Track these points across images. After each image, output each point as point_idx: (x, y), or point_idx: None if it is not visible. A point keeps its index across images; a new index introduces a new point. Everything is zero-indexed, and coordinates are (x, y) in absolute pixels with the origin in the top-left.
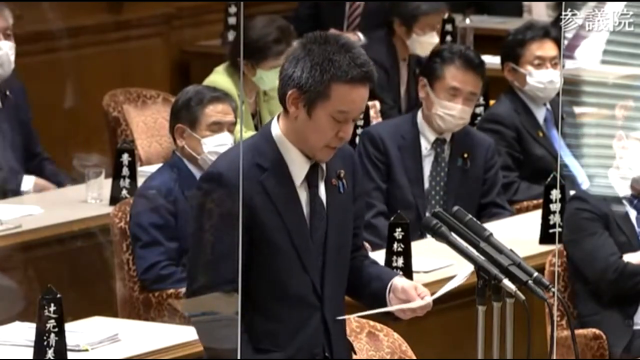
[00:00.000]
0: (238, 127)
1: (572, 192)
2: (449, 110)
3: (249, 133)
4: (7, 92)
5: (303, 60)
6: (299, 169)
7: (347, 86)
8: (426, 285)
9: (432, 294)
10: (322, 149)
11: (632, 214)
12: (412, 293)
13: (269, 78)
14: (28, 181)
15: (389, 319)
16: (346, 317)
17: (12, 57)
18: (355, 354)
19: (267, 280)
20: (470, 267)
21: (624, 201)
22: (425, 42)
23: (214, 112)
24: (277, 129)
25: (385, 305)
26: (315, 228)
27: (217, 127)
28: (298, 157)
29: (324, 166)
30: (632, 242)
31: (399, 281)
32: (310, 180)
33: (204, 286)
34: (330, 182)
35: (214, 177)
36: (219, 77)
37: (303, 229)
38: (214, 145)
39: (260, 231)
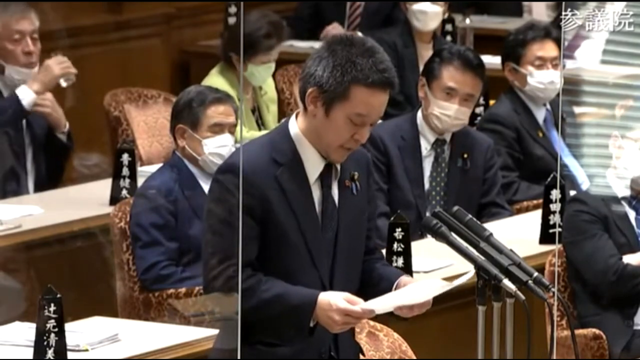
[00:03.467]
0: (238, 127)
1: (572, 192)
2: (445, 110)
3: (251, 132)
4: None
5: (326, 60)
6: (313, 167)
7: (367, 90)
8: None
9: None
10: (337, 149)
11: (631, 214)
12: None
13: (260, 74)
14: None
15: (390, 317)
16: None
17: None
18: (363, 354)
19: (276, 274)
20: (472, 269)
21: (623, 202)
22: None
23: (216, 113)
24: (295, 126)
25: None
26: (326, 227)
27: (218, 128)
28: (314, 155)
29: (338, 166)
30: (631, 243)
31: (404, 279)
32: (324, 179)
33: (222, 274)
34: (343, 183)
35: (231, 169)
36: (214, 80)
37: (315, 225)
38: (215, 147)
39: (273, 225)
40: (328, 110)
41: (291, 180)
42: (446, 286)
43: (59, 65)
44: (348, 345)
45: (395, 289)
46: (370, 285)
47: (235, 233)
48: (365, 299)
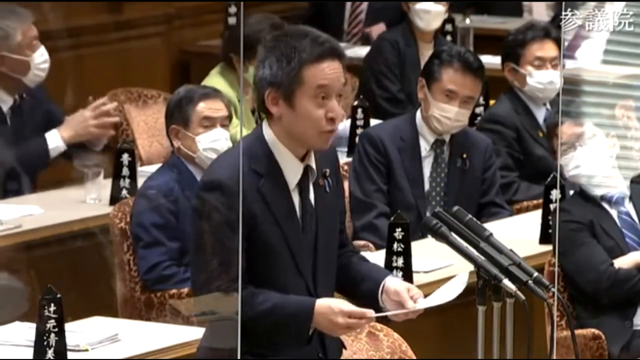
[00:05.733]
0: (238, 128)
1: (572, 192)
2: (445, 112)
3: None
4: (23, 95)
5: (269, 59)
6: (292, 172)
7: (316, 64)
8: (426, 285)
9: (426, 295)
10: (317, 136)
11: (614, 213)
12: (404, 295)
13: None
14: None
15: (382, 321)
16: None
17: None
18: (345, 348)
19: (263, 284)
20: (462, 280)
21: (603, 203)
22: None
23: (205, 108)
24: (269, 131)
25: (378, 305)
26: (305, 229)
27: (209, 123)
28: (291, 160)
29: (314, 167)
30: (620, 244)
31: (391, 282)
32: (302, 183)
33: (213, 288)
34: (317, 183)
35: (214, 185)
36: (214, 81)
37: (297, 233)
38: (209, 142)
39: (258, 237)
40: (291, 102)
41: (273, 191)
42: (438, 302)
43: (97, 120)
44: (333, 344)
45: (381, 292)
46: (350, 282)
47: (222, 248)
48: (348, 296)
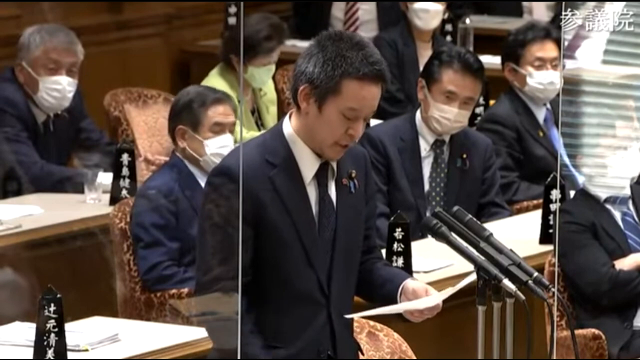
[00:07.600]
0: (237, 128)
1: (572, 192)
2: (445, 113)
3: (250, 133)
4: (58, 111)
5: (316, 56)
6: (308, 166)
7: (358, 82)
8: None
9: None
10: (332, 146)
11: (618, 214)
12: (421, 294)
13: (260, 76)
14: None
15: (399, 320)
16: (353, 315)
17: (70, 95)
18: (362, 354)
19: (273, 276)
20: (470, 279)
21: (607, 204)
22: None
23: (217, 113)
24: (288, 126)
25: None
26: (323, 226)
27: (219, 128)
28: (308, 154)
29: (334, 165)
30: (622, 246)
31: (410, 283)
32: (320, 178)
33: (216, 279)
34: (340, 182)
35: (224, 171)
36: (214, 81)
37: (311, 226)
38: (217, 147)
39: (268, 227)
40: (321, 106)
41: (285, 181)
42: (451, 290)
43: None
44: (346, 345)
45: (400, 293)
46: (373, 287)
47: (228, 237)
48: (368, 300)
